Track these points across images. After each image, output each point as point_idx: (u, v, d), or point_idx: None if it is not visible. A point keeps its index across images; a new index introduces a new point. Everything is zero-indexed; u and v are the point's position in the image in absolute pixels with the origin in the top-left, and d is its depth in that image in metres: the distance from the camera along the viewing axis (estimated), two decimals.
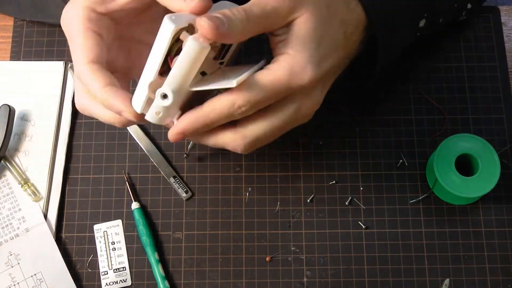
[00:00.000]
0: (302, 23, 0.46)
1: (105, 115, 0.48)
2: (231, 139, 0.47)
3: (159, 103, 0.43)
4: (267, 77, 0.44)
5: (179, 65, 0.42)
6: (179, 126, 0.45)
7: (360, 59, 0.55)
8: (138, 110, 0.44)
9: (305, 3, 0.46)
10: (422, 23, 0.57)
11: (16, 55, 0.68)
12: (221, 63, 0.49)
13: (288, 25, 0.46)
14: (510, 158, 0.63)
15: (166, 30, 0.41)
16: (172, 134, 0.46)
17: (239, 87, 0.43)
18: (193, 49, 0.41)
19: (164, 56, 0.42)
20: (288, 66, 0.45)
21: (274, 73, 0.45)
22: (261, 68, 0.46)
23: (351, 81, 0.60)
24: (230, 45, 0.48)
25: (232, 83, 0.42)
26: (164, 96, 0.42)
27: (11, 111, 0.63)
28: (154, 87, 0.43)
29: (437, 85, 0.66)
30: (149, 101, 0.44)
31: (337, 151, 0.64)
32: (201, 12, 0.43)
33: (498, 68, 0.67)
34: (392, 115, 0.65)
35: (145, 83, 0.43)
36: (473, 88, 0.66)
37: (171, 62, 0.43)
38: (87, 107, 0.49)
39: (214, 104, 0.44)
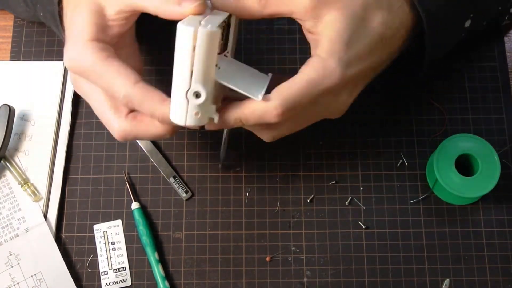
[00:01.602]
0: (331, 22, 0.45)
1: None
2: (261, 130, 0.49)
3: (194, 103, 0.43)
4: (301, 80, 0.45)
5: (199, 58, 0.42)
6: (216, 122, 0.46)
7: (404, 55, 0.54)
8: (182, 123, 0.44)
9: (334, 1, 0.45)
10: (467, 23, 0.56)
11: (16, 55, 0.68)
12: (226, 56, 0.50)
13: (317, 20, 0.46)
14: (510, 158, 0.63)
15: (186, 36, 0.41)
16: (209, 126, 0.46)
17: (280, 88, 0.45)
18: (205, 36, 0.41)
19: (192, 61, 0.42)
20: (320, 68, 0.45)
21: (308, 75, 0.45)
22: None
23: (396, 77, 0.59)
24: (229, 31, 0.48)
25: (258, 97, 0.44)
26: (197, 95, 0.43)
27: (11, 111, 0.63)
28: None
29: (437, 85, 0.66)
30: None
31: (337, 151, 0.64)
32: (200, 12, 0.43)
33: (498, 68, 0.67)
34: (392, 115, 0.65)
35: (181, 94, 0.43)
36: (473, 88, 0.66)
37: None
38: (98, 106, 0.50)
39: (251, 105, 0.45)
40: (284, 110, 0.44)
